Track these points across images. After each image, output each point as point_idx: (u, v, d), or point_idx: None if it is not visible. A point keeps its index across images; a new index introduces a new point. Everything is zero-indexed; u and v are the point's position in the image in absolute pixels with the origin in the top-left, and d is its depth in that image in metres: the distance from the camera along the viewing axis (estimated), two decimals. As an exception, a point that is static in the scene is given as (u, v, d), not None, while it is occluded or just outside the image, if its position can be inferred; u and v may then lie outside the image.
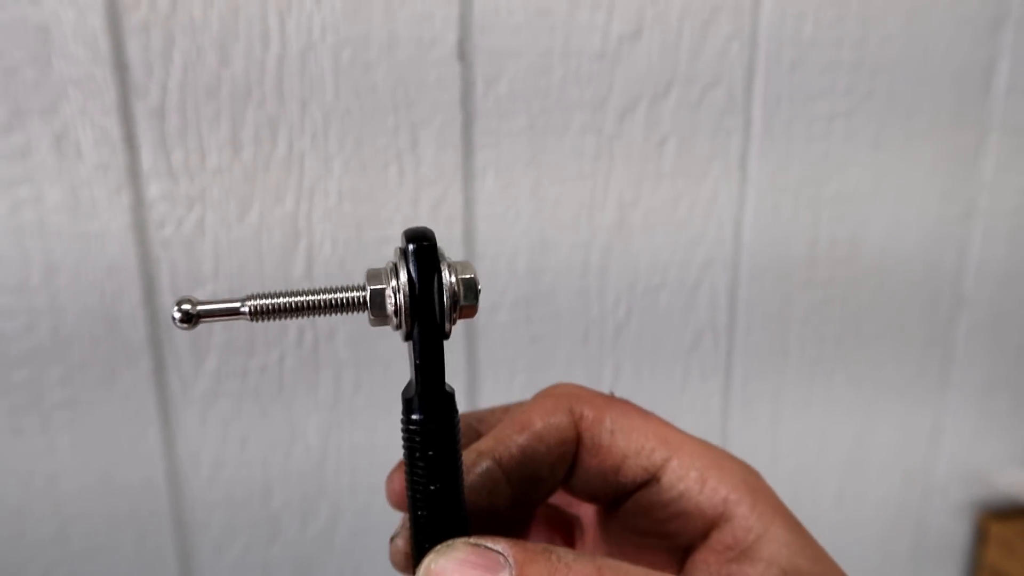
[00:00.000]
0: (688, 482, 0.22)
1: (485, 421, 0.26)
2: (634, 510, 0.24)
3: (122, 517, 0.48)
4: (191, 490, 0.49)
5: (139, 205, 0.44)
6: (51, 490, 0.47)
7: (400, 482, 0.24)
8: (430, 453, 0.21)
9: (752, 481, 0.23)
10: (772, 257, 0.56)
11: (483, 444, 0.23)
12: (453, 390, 0.22)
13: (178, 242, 0.44)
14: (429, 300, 0.20)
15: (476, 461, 0.23)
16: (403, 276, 0.21)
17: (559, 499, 0.28)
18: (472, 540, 0.19)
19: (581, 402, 0.24)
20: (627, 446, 0.23)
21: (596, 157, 0.50)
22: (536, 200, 0.50)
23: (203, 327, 0.46)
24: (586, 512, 0.29)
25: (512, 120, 0.48)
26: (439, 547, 0.20)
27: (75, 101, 0.41)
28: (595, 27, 0.48)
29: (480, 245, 0.49)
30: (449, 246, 0.49)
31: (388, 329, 0.21)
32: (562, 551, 0.19)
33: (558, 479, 0.24)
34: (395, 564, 0.23)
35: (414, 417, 0.21)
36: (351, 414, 0.50)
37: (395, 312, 0.21)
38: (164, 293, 0.45)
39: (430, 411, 0.21)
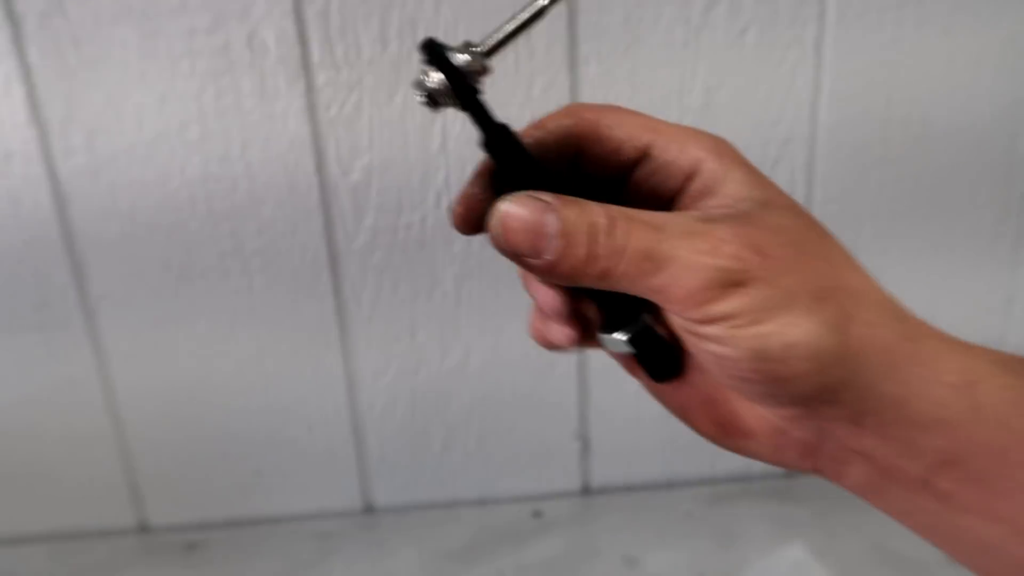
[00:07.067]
0: (670, 152, 0.30)
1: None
2: (636, 186, 0.32)
3: (296, 379, 0.60)
4: (360, 394, 0.60)
5: (310, 90, 0.54)
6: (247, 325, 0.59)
7: (461, 208, 0.31)
8: (504, 160, 0.29)
9: (720, 145, 0.30)
10: (847, 135, 0.62)
11: None
12: (506, 124, 0.29)
13: (341, 121, 0.55)
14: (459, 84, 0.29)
15: None
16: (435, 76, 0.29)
17: None
18: (529, 193, 0.28)
19: (583, 109, 0.32)
20: (621, 134, 0.31)
21: (684, 46, 0.58)
22: (632, 85, 0.58)
23: (362, 187, 0.57)
24: None
25: (610, 15, 0.56)
26: (507, 196, 0.28)
27: (261, 7, 0.52)
28: (682, -72, 0.55)
29: (584, 124, 0.58)
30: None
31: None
32: (591, 202, 0.27)
33: (563, 164, 0.32)
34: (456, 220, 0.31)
35: (488, 149, 0.30)
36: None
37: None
38: (331, 163, 0.56)
39: (492, 140, 0.29)
